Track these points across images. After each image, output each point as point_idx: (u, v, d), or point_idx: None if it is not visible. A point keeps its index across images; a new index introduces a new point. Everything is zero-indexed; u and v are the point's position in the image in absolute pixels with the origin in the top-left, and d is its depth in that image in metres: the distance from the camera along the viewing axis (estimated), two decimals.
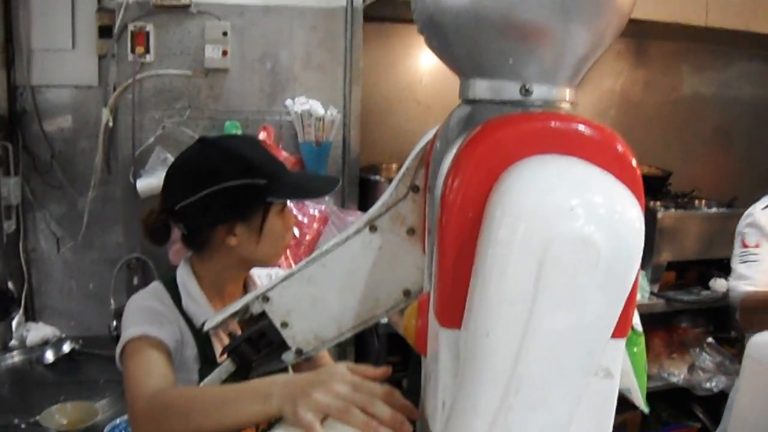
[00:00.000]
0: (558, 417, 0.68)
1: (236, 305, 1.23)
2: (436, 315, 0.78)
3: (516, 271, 0.64)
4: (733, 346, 3.87)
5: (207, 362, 1.48)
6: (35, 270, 3.20)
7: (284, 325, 1.19)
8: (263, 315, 1.20)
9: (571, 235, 0.62)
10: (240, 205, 1.47)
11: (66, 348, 2.69)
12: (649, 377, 3.68)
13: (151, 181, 2.65)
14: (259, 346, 1.23)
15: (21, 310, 3.06)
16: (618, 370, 0.81)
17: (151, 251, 2.80)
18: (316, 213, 2.67)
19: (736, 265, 2.78)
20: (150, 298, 1.51)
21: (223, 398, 1.13)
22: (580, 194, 0.64)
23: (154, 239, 1.56)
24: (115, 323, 2.68)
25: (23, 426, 2.16)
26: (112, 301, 2.78)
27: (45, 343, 2.80)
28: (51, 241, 3.18)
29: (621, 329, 0.73)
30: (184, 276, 1.54)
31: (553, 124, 0.72)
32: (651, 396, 3.83)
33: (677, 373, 3.73)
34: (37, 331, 2.84)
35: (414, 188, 1.12)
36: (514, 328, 0.63)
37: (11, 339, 2.85)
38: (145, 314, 1.44)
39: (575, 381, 0.68)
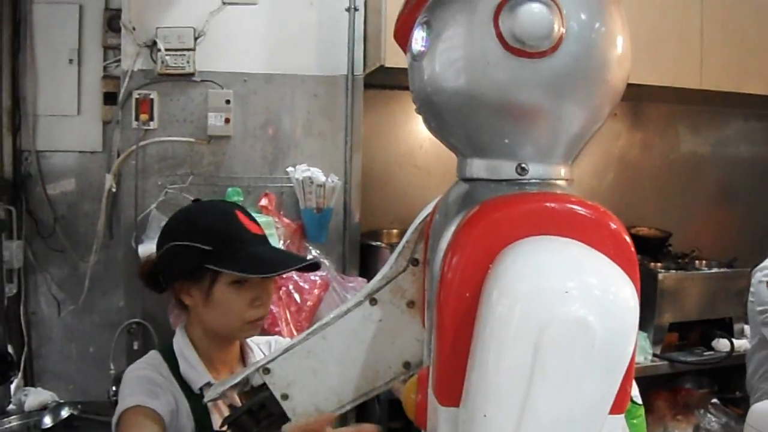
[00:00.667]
0: None
1: (237, 377, 1.23)
2: (435, 393, 0.78)
3: (513, 354, 0.64)
4: (738, 407, 3.83)
5: (202, 430, 1.48)
6: (35, 333, 3.20)
7: (285, 396, 1.19)
8: (264, 386, 1.20)
9: (566, 317, 0.63)
10: (184, 265, 1.47)
11: (64, 413, 2.68)
12: None
13: (153, 247, 2.65)
14: (259, 418, 1.22)
15: (20, 374, 3.04)
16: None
17: (152, 316, 2.80)
18: (318, 279, 2.68)
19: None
20: (147, 367, 1.51)
21: None
22: (575, 277, 0.66)
23: (148, 285, 1.58)
24: (114, 388, 2.65)
25: None
26: (111, 366, 2.77)
27: (43, 408, 2.78)
28: (52, 305, 3.18)
29: (619, 405, 0.74)
30: (180, 342, 1.55)
31: (547, 205, 0.74)
32: None
33: None
34: (36, 396, 2.82)
35: (413, 261, 1.14)
36: (511, 410, 0.64)
37: (9, 403, 2.83)
38: (140, 384, 1.45)
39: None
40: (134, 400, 1.40)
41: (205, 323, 1.52)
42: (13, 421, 2.72)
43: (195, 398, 1.49)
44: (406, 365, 1.18)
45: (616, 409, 0.73)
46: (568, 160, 0.88)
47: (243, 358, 1.65)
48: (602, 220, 0.74)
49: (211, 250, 1.44)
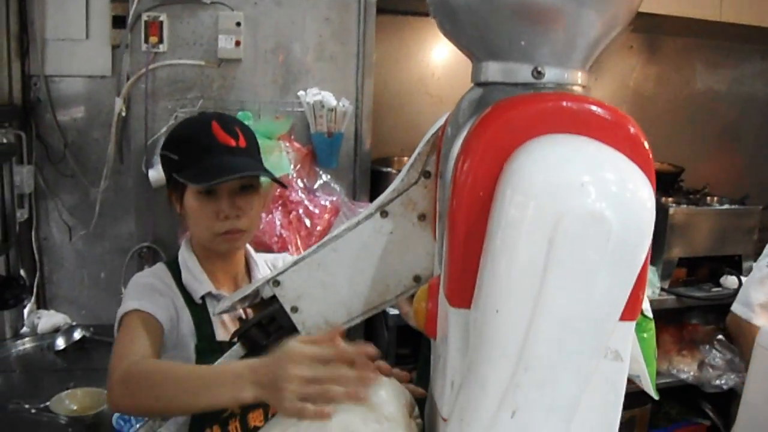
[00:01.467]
0: (566, 397, 0.68)
1: (246, 289, 1.23)
2: (446, 295, 0.78)
3: (526, 248, 0.64)
4: None
5: (203, 339, 1.51)
6: (47, 259, 3.22)
7: (294, 309, 1.19)
8: (273, 299, 1.20)
9: (581, 210, 0.62)
10: (165, 172, 1.54)
11: (77, 335, 2.70)
12: (659, 374, 3.67)
13: (162, 171, 2.65)
14: (269, 331, 1.23)
15: (33, 299, 3.08)
16: (627, 353, 0.81)
17: (162, 240, 2.82)
18: (327, 204, 2.67)
19: (758, 277, 2.34)
20: (149, 276, 1.56)
21: (195, 384, 1.15)
22: (592, 171, 0.64)
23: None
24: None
25: (33, 411, 2.17)
26: (122, 290, 2.78)
27: (56, 331, 2.81)
28: (63, 231, 3.19)
29: (630, 312, 0.74)
30: (184, 253, 1.58)
31: (565, 104, 0.73)
32: (660, 392, 3.82)
33: (687, 370, 3.71)
34: (49, 319, 2.86)
35: (425, 174, 1.13)
36: (523, 306, 0.64)
37: (23, 326, 2.86)
38: (141, 290, 1.49)
39: (584, 360, 0.68)
40: (134, 305, 1.42)
41: (192, 233, 1.57)
42: (27, 344, 2.76)
43: (196, 307, 1.52)
44: (417, 279, 1.18)
45: (627, 315, 0.73)
46: (584, 65, 0.86)
47: (248, 271, 1.66)
48: (621, 122, 0.73)
49: (177, 160, 1.47)
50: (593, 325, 0.66)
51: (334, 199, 2.72)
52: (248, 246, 1.67)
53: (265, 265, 1.67)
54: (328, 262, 1.17)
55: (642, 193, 0.67)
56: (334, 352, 1.01)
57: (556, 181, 0.64)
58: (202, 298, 1.53)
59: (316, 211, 2.64)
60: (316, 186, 2.77)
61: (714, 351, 3.85)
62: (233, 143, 1.49)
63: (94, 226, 3.12)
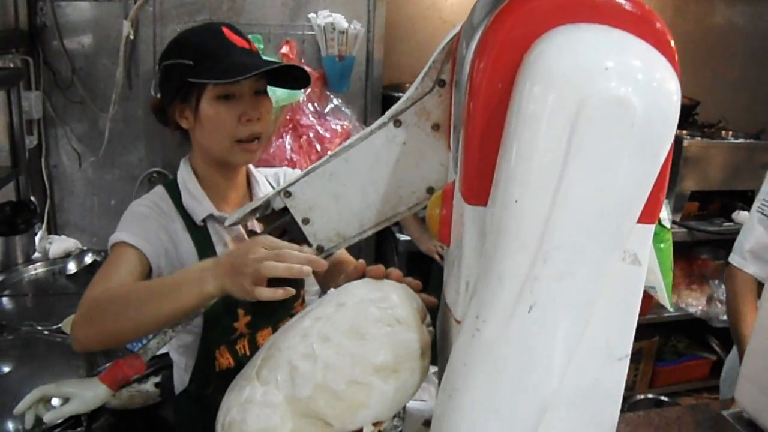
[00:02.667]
0: (584, 292, 0.67)
1: (257, 201, 1.22)
2: (463, 193, 0.76)
3: (547, 136, 0.62)
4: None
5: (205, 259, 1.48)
6: (57, 186, 3.22)
7: (306, 221, 1.18)
8: (285, 211, 1.19)
9: (606, 94, 0.60)
10: (172, 84, 1.43)
11: (88, 259, 2.72)
12: (666, 308, 3.68)
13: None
14: None
15: (44, 226, 3.09)
16: (645, 257, 0.79)
17: (172, 165, 2.80)
18: (338, 128, 2.65)
19: (749, 222, 2.12)
20: (146, 203, 1.49)
21: (158, 290, 1.16)
22: (617, 57, 0.62)
23: (161, 121, 1.55)
24: None
25: (46, 333, 2.19)
26: None
27: (67, 255, 2.83)
28: (73, 158, 3.18)
29: (649, 214, 0.72)
30: (183, 174, 1.52)
31: None
32: (668, 326, 3.84)
33: (695, 304, 3.72)
34: (60, 244, 2.87)
35: (440, 82, 1.10)
36: (543, 193, 0.62)
37: (34, 252, 2.87)
38: (132, 221, 1.43)
39: (603, 254, 0.66)
40: (123, 236, 1.38)
41: (201, 147, 1.48)
42: (39, 268, 2.78)
43: (198, 231, 1.48)
44: (430, 190, 1.16)
45: (646, 217, 0.71)
46: None
47: (250, 190, 1.61)
48: (648, 15, 0.70)
49: (193, 65, 1.39)
50: (614, 215, 0.64)
51: (345, 123, 2.70)
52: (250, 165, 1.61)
53: (266, 181, 1.63)
54: (340, 173, 1.15)
55: (669, 85, 0.64)
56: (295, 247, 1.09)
57: (577, 66, 0.61)
58: (204, 221, 1.48)
59: (327, 135, 2.62)
60: (326, 110, 2.74)
61: (723, 286, 3.85)
62: (248, 46, 1.46)
63: (103, 152, 3.11)
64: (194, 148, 1.52)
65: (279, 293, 1.04)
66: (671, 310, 1.04)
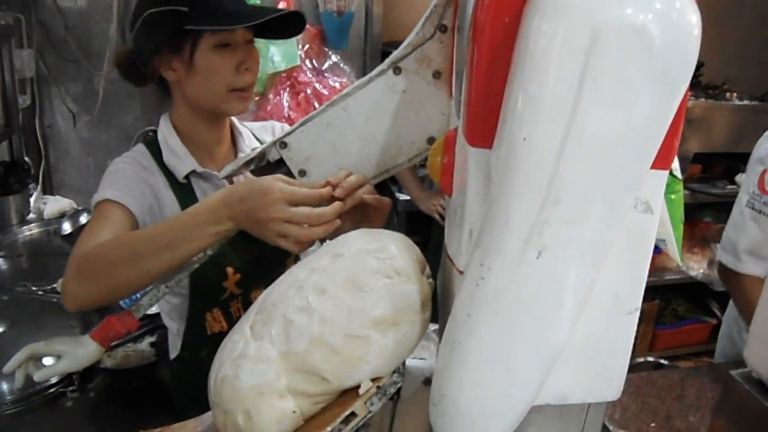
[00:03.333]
0: (596, 236, 0.63)
1: (251, 153, 1.17)
2: (467, 136, 0.72)
3: (559, 68, 0.57)
4: None
5: None
6: (52, 147, 3.18)
7: (302, 173, 1.14)
8: (280, 162, 1.14)
9: (623, 21, 0.55)
10: (162, 33, 1.35)
11: (83, 219, 2.68)
12: (667, 270, 3.66)
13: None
14: None
15: (39, 187, 3.04)
16: (658, 206, 0.75)
17: None
18: (337, 85, 2.60)
19: (739, 220, 1.98)
20: (127, 161, 1.44)
21: (170, 236, 1.11)
22: None
23: (127, 77, 1.49)
24: None
25: (40, 293, 2.16)
26: None
27: (62, 216, 2.79)
28: (67, 118, 3.14)
29: (663, 159, 0.68)
30: (163, 130, 1.47)
31: None
32: (668, 289, 3.82)
33: (696, 268, 3.70)
34: (55, 204, 2.83)
35: (441, 28, 1.05)
36: (554, 130, 0.57)
37: (29, 213, 2.83)
38: (115, 178, 1.38)
39: (618, 196, 0.62)
40: (106, 194, 1.33)
41: (189, 98, 1.42)
42: (33, 229, 2.75)
43: (180, 188, 1.45)
44: (431, 140, 1.12)
45: (660, 163, 0.67)
46: None
47: (234, 145, 1.57)
48: None
49: (188, 11, 1.33)
50: (629, 154, 0.60)
51: (344, 80, 2.65)
52: (233, 118, 1.57)
53: (251, 135, 1.59)
54: (338, 122, 1.11)
55: (690, 17, 0.60)
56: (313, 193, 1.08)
57: None
58: (187, 177, 1.44)
59: (325, 92, 2.57)
60: (325, 67, 2.69)
61: None
62: None
63: (98, 112, 3.06)
64: (177, 102, 1.46)
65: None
66: (681, 264, 1.00)
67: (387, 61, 1.08)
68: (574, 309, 0.64)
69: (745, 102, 3.48)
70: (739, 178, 3.64)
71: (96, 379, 1.74)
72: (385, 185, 2.90)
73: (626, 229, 0.69)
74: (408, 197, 2.86)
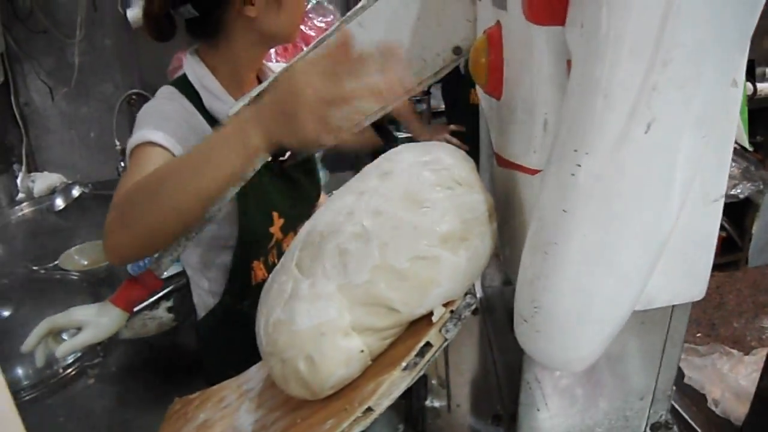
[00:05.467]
0: (708, 103, 0.54)
1: (265, 83, 1.08)
2: (531, 14, 0.63)
3: None
4: (757, 151, 3.76)
5: None
6: (32, 125, 3.05)
7: None
8: None
9: None
10: None
11: (75, 192, 2.57)
12: None
13: None
14: None
15: (23, 168, 2.93)
16: (742, 79, 0.68)
17: (152, 84, 2.64)
18: (323, 25, 2.49)
19: None
20: (166, 101, 1.31)
21: (194, 160, 0.93)
22: None
23: (155, 31, 1.35)
24: (123, 164, 2.54)
25: (42, 272, 2.07)
26: (117, 143, 2.64)
27: (53, 192, 2.67)
28: (44, 93, 3.00)
29: None
30: (197, 72, 1.34)
31: None
32: None
33: None
34: (44, 180, 2.72)
35: None
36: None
37: (18, 193, 2.72)
38: (160, 119, 1.24)
39: (728, 54, 0.54)
40: (149, 135, 1.19)
41: (272, 29, 1.31)
42: (25, 208, 2.63)
43: None
44: (456, 50, 1.02)
45: None
46: None
47: (259, 80, 1.46)
48: None
49: None
50: (739, 5, 0.52)
51: (329, 19, 2.53)
52: None
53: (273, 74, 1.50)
54: (355, 39, 1.01)
55: None
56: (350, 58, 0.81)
57: None
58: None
59: (312, 33, 2.46)
60: (308, 7, 2.56)
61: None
62: None
63: (75, 83, 2.93)
64: (233, 42, 1.33)
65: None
66: (749, 148, 0.93)
67: None
68: (684, 188, 0.57)
69: None
70: None
71: (116, 353, 1.66)
72: (382, 125, 2.80)
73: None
74: (408, 134, 2.77)
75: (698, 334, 1.58)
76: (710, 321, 1.63)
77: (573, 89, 0.57)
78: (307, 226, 0.85)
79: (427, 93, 2.89)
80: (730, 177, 3.69)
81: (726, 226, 3.84)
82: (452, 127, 2.54)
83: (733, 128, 0.70)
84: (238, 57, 1.33)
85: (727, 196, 2.42)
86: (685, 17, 0.50)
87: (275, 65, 1.54)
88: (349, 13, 1.01)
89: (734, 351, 1.46)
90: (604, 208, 0.55)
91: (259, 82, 1.44)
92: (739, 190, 3.57)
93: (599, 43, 0.53)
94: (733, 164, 3.76)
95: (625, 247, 0.57)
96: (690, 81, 0.52)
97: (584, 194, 0.56)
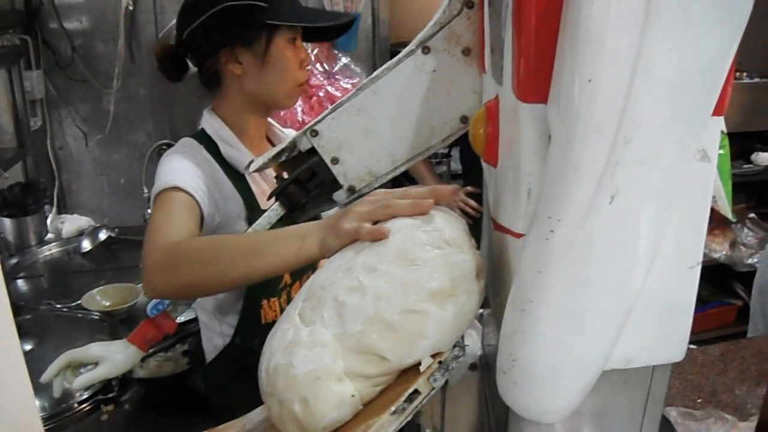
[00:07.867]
0: (668, 177, 0.60)
1: (282, 143, 1.15)
2: (519, 91, 0.69)
3: (620, 4, 0.55)
4: None
5: (252, 209, 1.43)
6: (65, 168, 3.17)
7: (335, 161, 1.11)
8: (312, 152, 1.12)
9: None
10: (240, 26, 1.39)
11: (102, 236, 2.66)
12: None
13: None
14: (308, 187, 1.16)
15: (54, 209, 3.03)
16: (715, 154, 0.74)
17: (182, 136, 2.72)
18: (349, 86, 2.58)
19: None
20: (185, 151, 1.42)
21: (254, 242, 1.05)
22: None
23: (166, 72, 1.49)
24: (149, 210, 2.63)
25: (65, 310, 2.14)
26: (145, 190, 2.73)
27: (80, 234, 2.77)
28: (78, 138, 3.13)
29: (719, 106, 0.65)
30: (213, 124, 1.46)
31: None
32: None
33: (719, 250, 3.66)
34: (73, 222, 2.81)
35: (468, 4, 1.03)
36: (621, 68, 0.55)
37: (47, 233, 2.82)
38: (181, 167, 1.35)
39: (687, 134, 0.60)
40: (171, 180, 1.30)
41: (252, 92, 1.45)
42: (53, 248, 2.73)
43: (238, 179, 1.44)
44: (463, 119, 1.09)
45: (716, 111, 0.65)
46: None
47: (268, 138, 1.60)
48: None
49: (267, 7, 1.37)
50: (698, 88, 0.58)
51: (355, 81, 2.63)
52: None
53: (282, 133, 1.63)
54: (369, 106, 1.08)
55: None
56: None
57: None
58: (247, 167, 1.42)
59: (338, 94, 2.55)
60: (335, 69, 2.67)
61: (746, 229, 3.78)
62: None
63: (109, 130, 3.05)
64: (231, 96, 1.47)
65: (383, 231, 0.85)
66: (732, 219, 0.98)
67: (415, 41, 1.06)
68: (648, 256, 0.62)
69: (756, 80, 3.45)
70: (755, 156, 3.60)
71: (130, 391, 1.72)
72: (399, 182, 2.88)
73: (686, 179, 0.66)
74: None
75: (699, 400, 1.61)
76: (712, 388, 1.66)
77: (550, 161, 0.63)
78: (311, 279, 0.91)
79: (448, 155, 2.97)
80: (747, 247, 3.70)
81: (743, 295, 3.84)
82: (469, 188, 2.61)
83: (707, 199, 0.75)
84: (239, 113, 1.48)
85: (743, 265, 2.47)
86: (645, 99, 0.56)
87: (288, 131, 1.63)
88: (364, 81, 1.09)
89: (729, 416, 1.48)
90: (574, 271, 0.61)
91: (269, 141, 1.54)
92: (755, 260, 3.59)
93: (572, 120, 0.59)
94: (750, 234, 3.79)
95: (593, 308, 0.62)
96: (650, 157, 0.58)
97: (556, 257, 0.61)
